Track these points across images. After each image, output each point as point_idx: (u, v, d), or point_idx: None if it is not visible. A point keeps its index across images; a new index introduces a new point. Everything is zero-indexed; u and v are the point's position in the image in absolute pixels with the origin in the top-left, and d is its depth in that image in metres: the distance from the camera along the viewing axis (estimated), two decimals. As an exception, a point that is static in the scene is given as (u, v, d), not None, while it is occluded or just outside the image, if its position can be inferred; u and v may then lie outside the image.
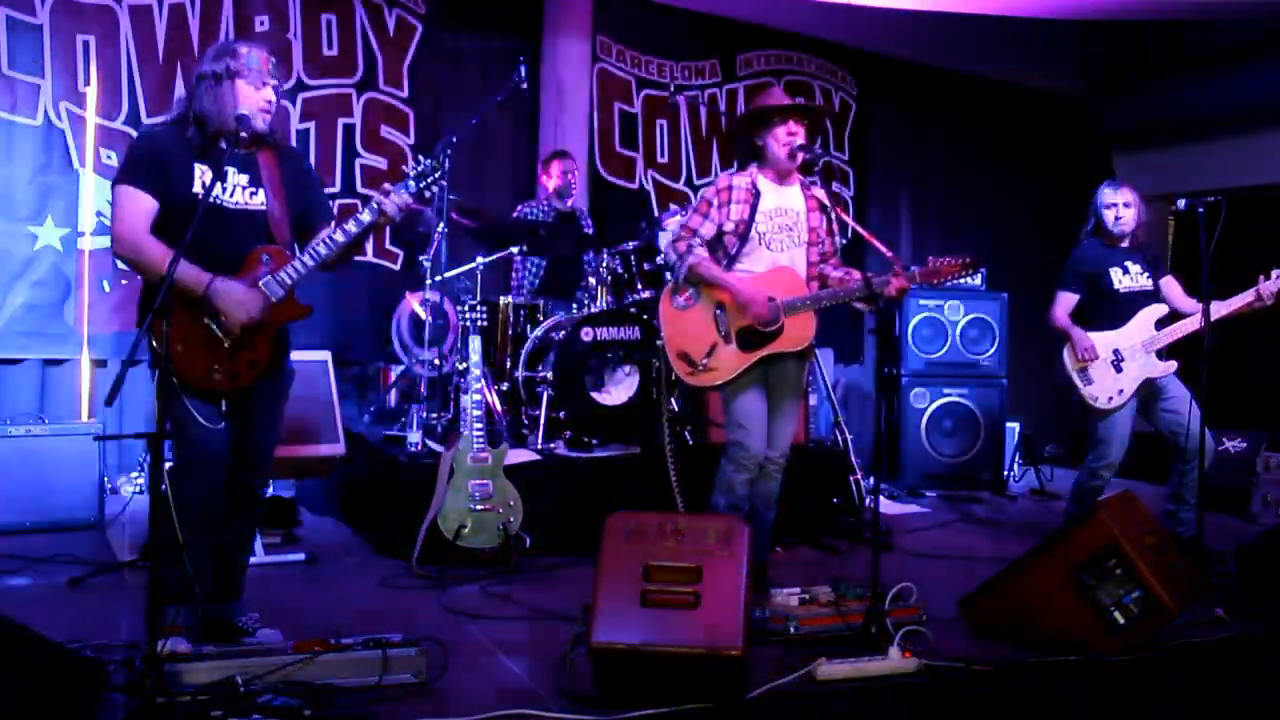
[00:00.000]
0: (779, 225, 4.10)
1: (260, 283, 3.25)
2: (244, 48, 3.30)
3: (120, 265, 3.29)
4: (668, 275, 4.44)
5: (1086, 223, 5.09)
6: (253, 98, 3.26)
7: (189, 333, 3.16)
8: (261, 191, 3.33)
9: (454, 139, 5.18)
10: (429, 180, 3.42)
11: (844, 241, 4.23)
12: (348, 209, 6.69)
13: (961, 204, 8.38)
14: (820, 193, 4.18)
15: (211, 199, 3.17)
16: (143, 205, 3.19)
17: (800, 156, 4.01)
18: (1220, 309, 4.65)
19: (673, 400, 5.39)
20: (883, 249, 3.99)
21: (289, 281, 3.28)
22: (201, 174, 3.25)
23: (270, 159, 3.36)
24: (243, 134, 3.21)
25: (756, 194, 4.08)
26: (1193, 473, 4.79)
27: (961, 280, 4.01)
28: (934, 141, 8.38)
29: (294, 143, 6.03)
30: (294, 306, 3.34)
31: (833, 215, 4.19)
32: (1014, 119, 8.45)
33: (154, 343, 3.11)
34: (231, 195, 3.28)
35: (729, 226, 4.08)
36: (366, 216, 3.31)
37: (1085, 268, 5.02)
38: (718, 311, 4.09)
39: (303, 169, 3.55)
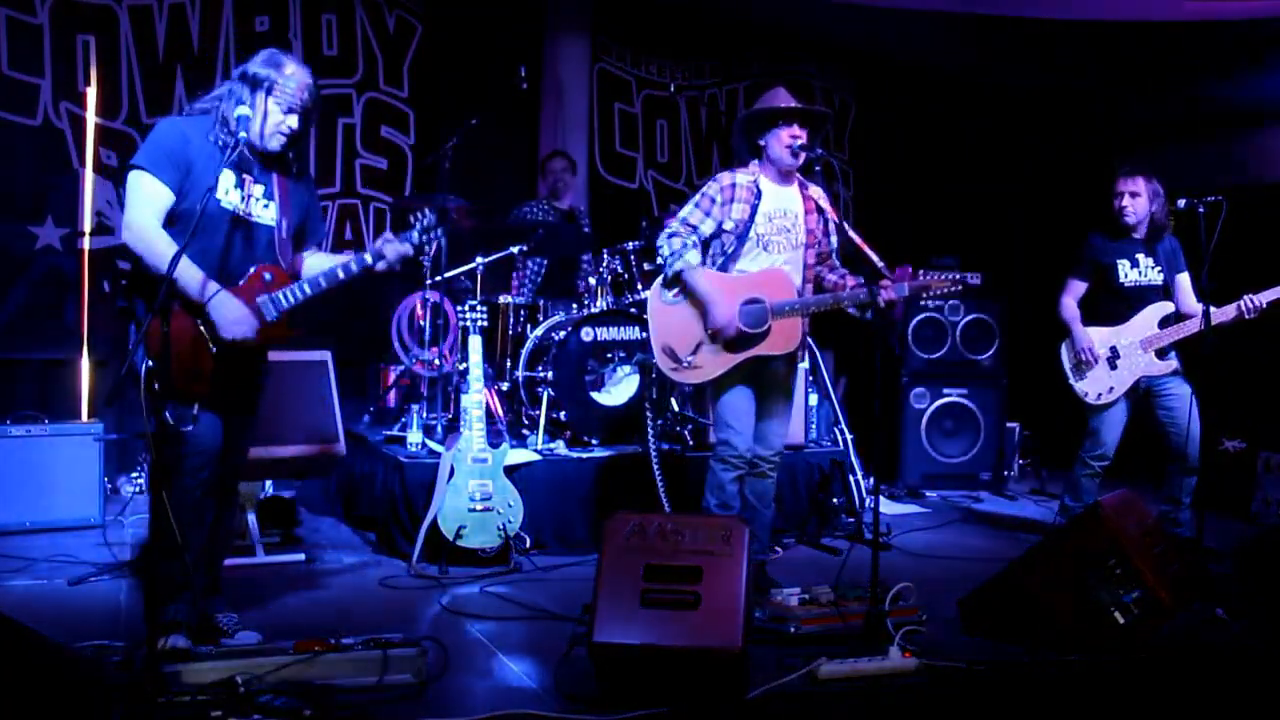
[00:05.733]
0: (778, 227, 4.09)
1: (257, 300, 3.24)
2: (290, 66, 3.23)
3: (129, 250, 3.21)
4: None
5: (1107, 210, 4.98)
6: (276, 118, 3.22)
7: (178, 334, 3.09)
8: (273, 206, 3.33)
9: (455, 140, 5.19)
10: (431, 235, 3.51)
11: (839, 241, 4.21)
12: (348, 209, 6.71)
13: (962, 205, 8.36)
14: (818, 193, 4.17)
15: (229, 204, 3.19)
16: (159, 195, 3.13)
17: (803, 156, 4.01)
18: (1216, 316, 4.59)
19: (672, 400, 5.39)
20: (875, 259, 3.97)
21: (286, 306, 3.29)
22: (225, 178, 3.21)
23: (283, 177, 3.37)
24: (271, 148, 3.23)
25: (758, 194, 4.08)
26: (1189, 475, 4.78)
27: (952, 291, 4.02)
28: (934, 142, 8.37)
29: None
30: (282, 328, 3.33)
31: (829, 217, 4.19)
32: (1015, 119, 8.44)
33: (145, 341, 2.99)
34: (247, 205, 3.26)
35: (728, 226, 4.07)
36: (369, 258, 3.40)
37: (1096, 256, 4.95)
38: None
39: (309, 191, 3.54)
